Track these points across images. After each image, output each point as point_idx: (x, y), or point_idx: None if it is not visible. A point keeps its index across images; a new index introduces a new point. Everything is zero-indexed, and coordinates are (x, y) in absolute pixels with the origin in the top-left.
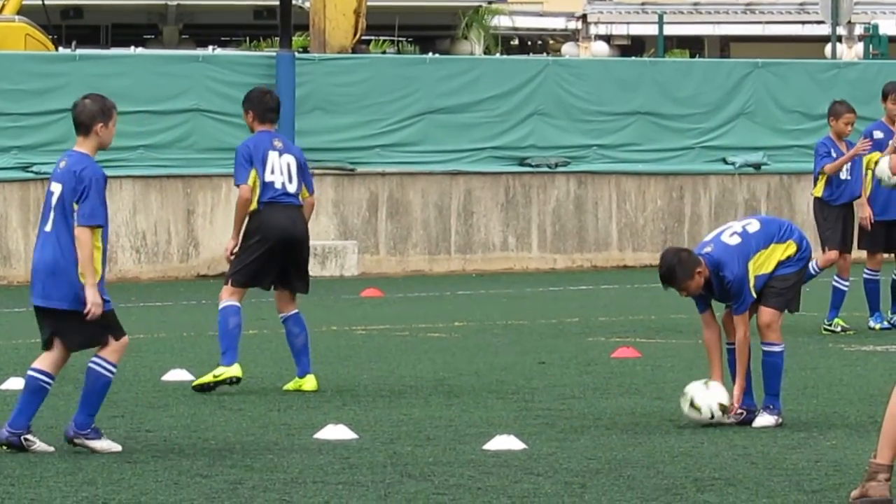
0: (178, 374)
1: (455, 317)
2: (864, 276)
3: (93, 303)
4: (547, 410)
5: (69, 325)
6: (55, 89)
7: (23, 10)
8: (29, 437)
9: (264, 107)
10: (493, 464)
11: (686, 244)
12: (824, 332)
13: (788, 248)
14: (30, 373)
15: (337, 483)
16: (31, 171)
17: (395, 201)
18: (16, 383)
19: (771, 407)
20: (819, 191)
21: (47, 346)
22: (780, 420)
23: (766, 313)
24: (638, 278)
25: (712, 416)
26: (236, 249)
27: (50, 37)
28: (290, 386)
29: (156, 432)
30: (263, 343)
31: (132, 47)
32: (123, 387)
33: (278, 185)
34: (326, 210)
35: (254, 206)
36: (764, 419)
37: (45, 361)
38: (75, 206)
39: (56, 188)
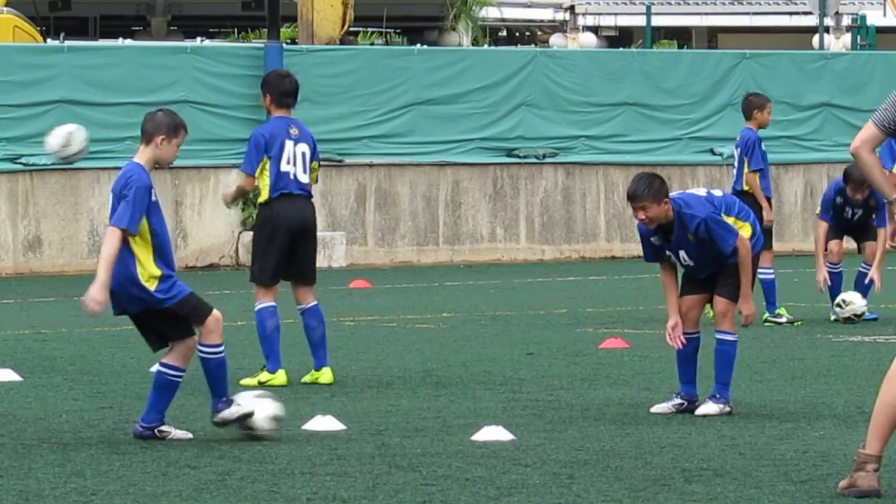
0: None
1: (443, 308)
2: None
3: (91, 298)
4: (535, 401)
5: (156, 324)
6: (44, 81)
7: (11, 2)
8: (163, 428)
9: (281, 90)
10: (481, 455)
11: None
12: (767, 323)
13: (744, 231)
14: (159, 368)
15: (325, 474)
16: (20, 163)
17: (383, 192)
18: (6, 375)
19: (717, 395)
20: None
21: (153, 346)
22: (728, 409)
23: (722, 303)
24: (626, 269)
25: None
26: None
27: (38, 28)
28: (307, 378)
29: None
30: (252, 334)
31: (120, 39)
32: (111, 377)
33: (292, 176)
34: (314, 201)
35: (265, 197)
36: (707, 407)
37: (171, 356)
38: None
39: (111, 199)
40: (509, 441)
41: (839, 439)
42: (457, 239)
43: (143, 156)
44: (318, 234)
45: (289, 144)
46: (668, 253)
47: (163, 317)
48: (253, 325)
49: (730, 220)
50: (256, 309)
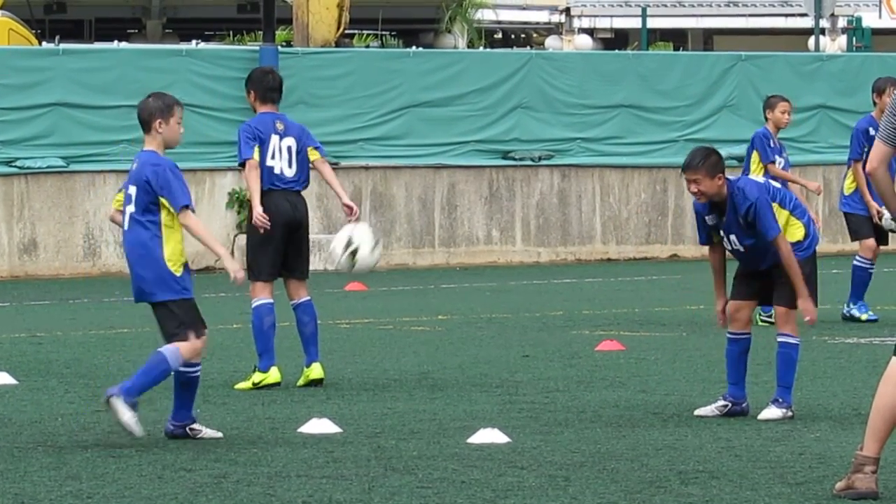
0: None
1: (439, 310)
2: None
3: (234, 271)
4: (531, 404)
5: (163, 315)
6: (39, 84)
7: (6, 5)
8: (194, 426)
9: (265, 86)
10: (477, 457)
11: (670, 238)
12: (762, 324)
13: (797, 230)
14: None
15: (321, 477)
16: (15, 167)
17: (379, 195)
18: (1, 378)
19: (780, 400)
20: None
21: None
22: (790, 413)
23: (780, 310)
24: (622, 271)
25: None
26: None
27: (33, 31)
28: (300, 382)
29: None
30: (248, 337)
31: (116, 42)
32: (107, 381)
33: (277, 171)
34: (310, 203)
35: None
36: (770, 412)
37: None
38: (163, 201)
39: (133, 190)
40: (505, 443)
41: (835, 441)
42: (452, 241)
43: (151, 143)
44: (315, 236)
45: (274, 139)
46: (721, 234)
47: (171, 311)
48: (248, 329)
49: (791, 221)
50: (254, 306)
